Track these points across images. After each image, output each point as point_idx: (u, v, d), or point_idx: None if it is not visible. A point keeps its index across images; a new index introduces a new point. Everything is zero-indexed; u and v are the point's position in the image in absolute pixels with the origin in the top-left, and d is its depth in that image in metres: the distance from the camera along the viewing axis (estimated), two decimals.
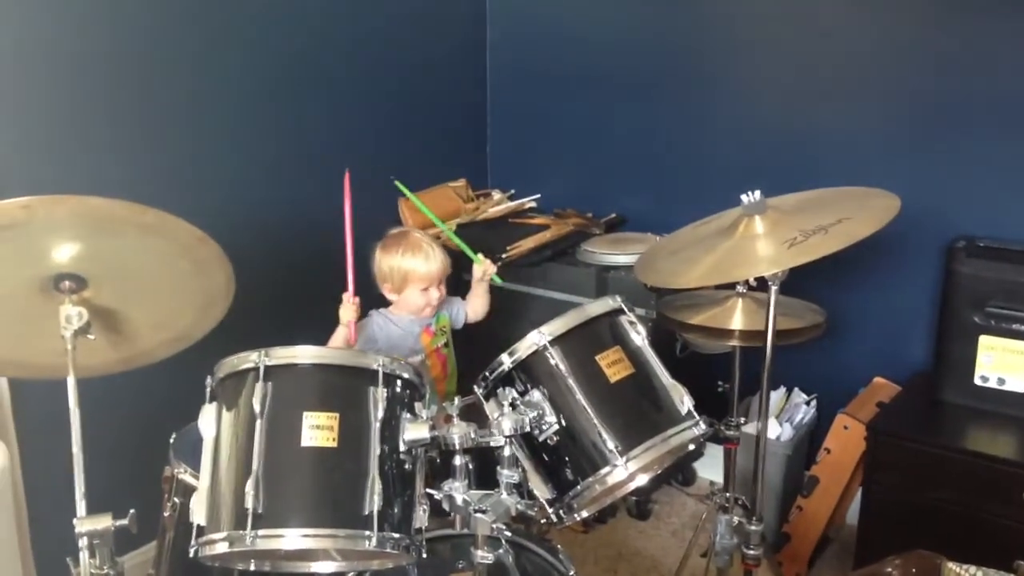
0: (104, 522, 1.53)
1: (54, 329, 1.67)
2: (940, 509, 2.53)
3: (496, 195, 3.71)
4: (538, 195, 3.67)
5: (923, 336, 2.97)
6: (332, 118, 3.17)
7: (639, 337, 1.85)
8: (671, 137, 3.39)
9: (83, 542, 1.53)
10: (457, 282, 3.10)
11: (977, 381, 2.66)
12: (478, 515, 1.68)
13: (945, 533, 2.51)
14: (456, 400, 1.76)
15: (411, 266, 2.53)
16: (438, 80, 3.57)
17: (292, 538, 1.51)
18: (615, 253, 3.14)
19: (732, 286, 2.37)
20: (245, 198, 2.92)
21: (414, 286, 2.54)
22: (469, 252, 2.72)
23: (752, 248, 2.04)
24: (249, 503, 1.49)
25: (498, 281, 2.74)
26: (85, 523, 1.52)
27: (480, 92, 3.78)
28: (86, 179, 2.50)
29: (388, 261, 2.54)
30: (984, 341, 2.62)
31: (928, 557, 1.80)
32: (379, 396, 1.61)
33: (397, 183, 2.92)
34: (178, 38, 2.69)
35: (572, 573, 1.89)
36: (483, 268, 2.70)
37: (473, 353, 2.71)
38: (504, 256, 3.13)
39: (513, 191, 3.72)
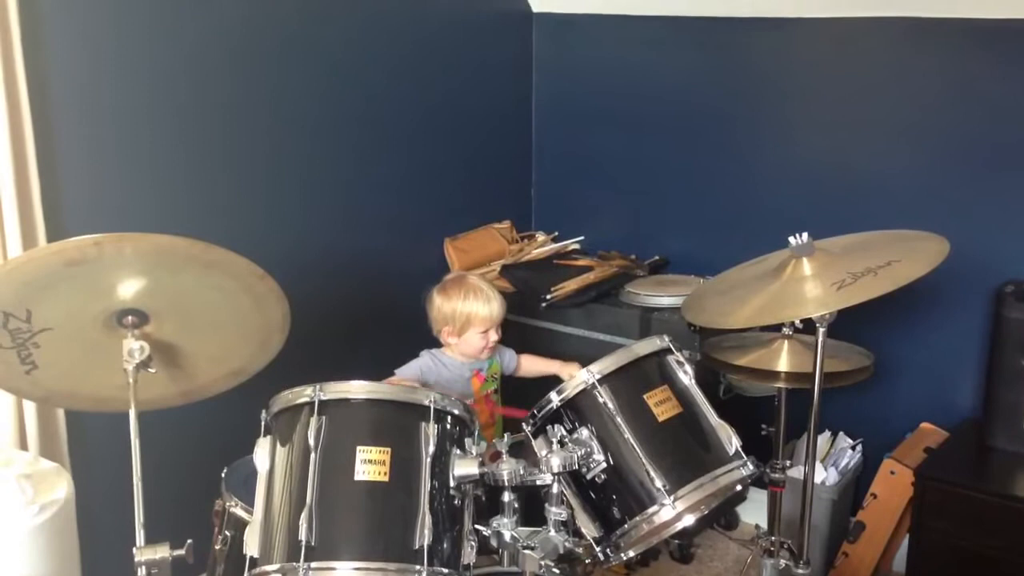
0: (162, 552, 1.57)
1: (115, 363, 1.72)
2: (989, 556, 2.50)
3: (540, 237, 3.74)
4: (582, 237, 3.69)
5: (971, 381, 2.94)
6: (381, 160, 3.23)
7: (686, 377, 1.87)
8: (716, 180, 3.41)
9: (141, 571, 1.56)
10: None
11: None
12: (526, 551, 1.69)
13: None
14: (505, 437, 1.78)
15: (473, 309, 2.56)
16: (485, 123, 3.63)
17: (344, 571, 1.54)
18: (659, 295, 3.15)
19: (778, 328, 2.37)
20: (299, 236, 2.98)
21: (475, 329, 2.56)
22: None
23: (800, 290, 2.04)
24: (303, 535, 1.52)
25: None
26: (144, 552, 1.56)
27: (525, 135, 3.83)
28: (151, 216, 2.57)
29: (450, 305, 2.57)
30: None
31: None
32: (430, 432, 1.64)
33: None
34: (246, 89, 2.78)
35: None
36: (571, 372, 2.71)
37: (520, 393, 2.74)
38: (548, 297, 3.16)
39: (557, 233, 3.75)
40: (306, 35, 2.92)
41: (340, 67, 3.04)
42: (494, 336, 2.59)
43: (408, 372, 2.56)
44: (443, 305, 2.59)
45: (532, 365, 2.78)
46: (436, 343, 2.66)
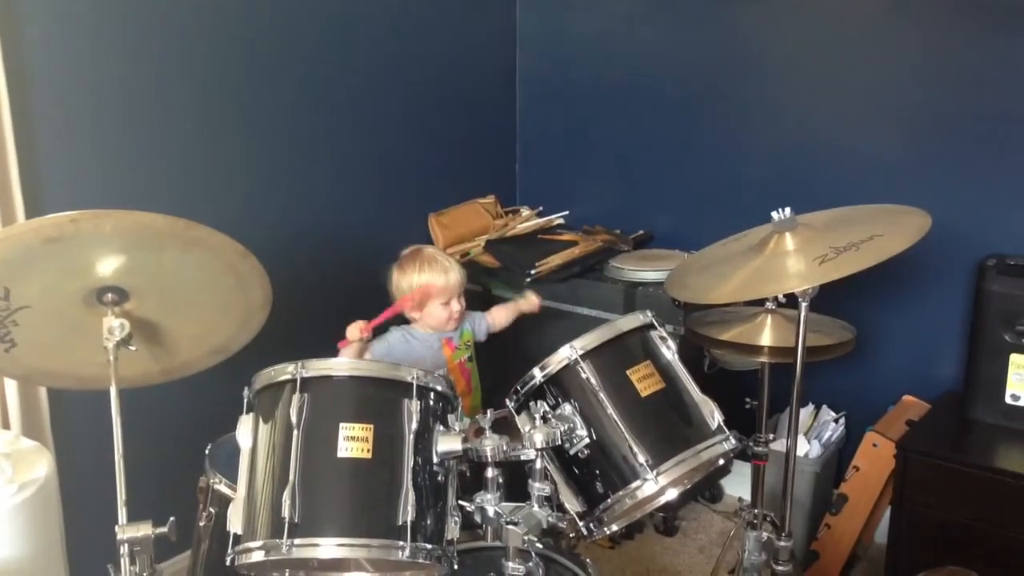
0: (145, 529, 1.57)
1: (96, 340, 1.71)
2: (970, 528, 2.52)
3: (525, 211, 3.74)
4: (566, 212, 3.69)
5: (953, 354, 2.96)
6: (365, 135, 3.22)
7: (669, 352, 1.87)
8: (699, 154, 3.41)
9: (124, 549, 1.56)
10: (488, 296, 3.14)
11: (1008, 400, 2.65)
12: (510, 527, 1.70)
13: (975, 552, 2.49)
14: (488, 413, 1.78)
15: (430, 280, 2.56)
16: (468, 98, 3.61)
17: (327, 547, 1.54)
18: (643, 269, 3.15)
19: (761, 303, 2.37)
20: (281, 213, 2.97)
21: (436, 300, 2.57)
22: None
23: (783, 264, 2.04)
24: (286, 512, 1.52)
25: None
26: (127, 530, 1.56)
27: (510, 110, 3.81)
28: (131, 193, 2.55)
29: (407, 280, 2.58)
30: (1015, 359, 2.61)
31: (960, 573, 1.80)
32: (413, 408, 1.64)
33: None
34: (227, 64, 2.77)
35: None
36: (532, 303, 2.81)
37: (503, 368, 2.74)
38: (533, 272, 3.16)
39: (542, 207, 3.74)
40: (287, 11, 2.89)
41: (322, 43, 3.02)
42: (456, 306, 2.60)
43: (376, 350, 2.56)
44: (401, 281, 2.59)
45: (498, 313, 2.82)
46: (406, 323, 2.66)
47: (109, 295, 1.73)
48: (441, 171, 3.56)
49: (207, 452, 2.14)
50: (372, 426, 1.60)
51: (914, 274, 2.96)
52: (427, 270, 2.56)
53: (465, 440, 1.68)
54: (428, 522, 1.61)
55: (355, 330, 2.44)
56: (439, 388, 1.71)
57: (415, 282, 2.56)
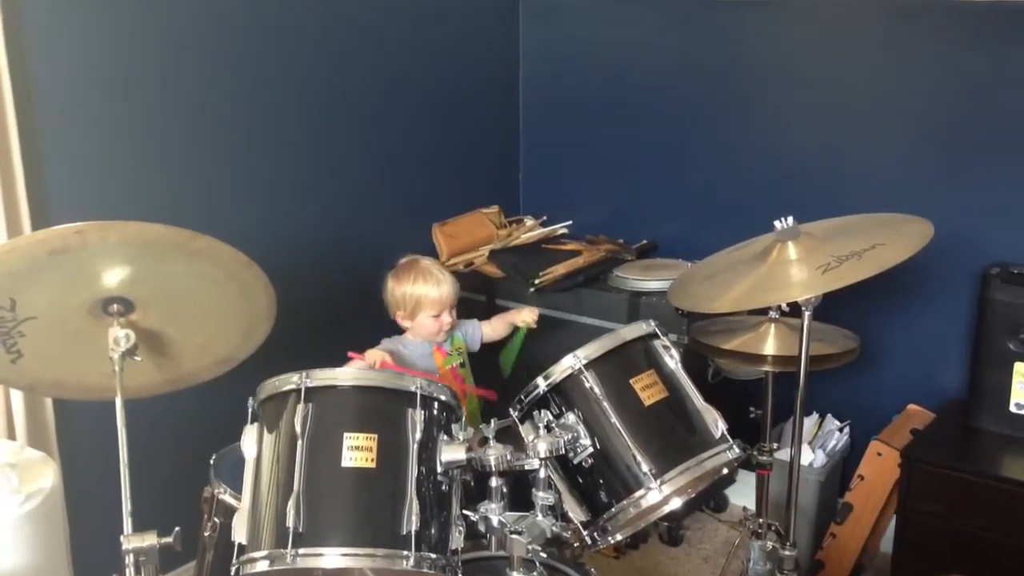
0: (150, 540, 1.57)
1: (101, 351, 1.72)
2: (975, 536, 2.52)
3: (528, 221, 3.74)
4: (570, 221, 3.70)
5: (957, 363, 2.95)
6: (369, 145, 3.23)
7: (673, 361, 1.88)
8: (702, 164, 3.41)
9: (129, 559, 1.56)
10: (492, 309, 3.14)
11: (1012, 408, 2.64)
12: (514, 536, 1.70)
13: (980, 561, 2.49)
14: (492, 422, 1.78)
15: (423, 292, 2.57)
16: (472, 108, 3.62)
17: (332, 557, 1.54)
18: (647, 279, 3.15)
19: (765, 311, 2.37)
20: (285, 222, 2.98)
21: (426, 312, 2.58)
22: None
23: (785, 273, 2.05)
24: (290, 522, 1.53)
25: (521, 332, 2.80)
26: (132, 540, 1.56)
27: (513, 119, 3.82)
28: (136, 204, 2.56)
29: (400, 289, 2.59)
30: (1019, 368, 2.61)
31: None
32: (417, 418, 1.64)
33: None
34: (230, 76, 2.78)
35: None
36: (527, 318, 2.76)
37: (493, 367, 2.75)
38: (537, 282, 3.16)
39: (545, 217, 3.75)
40: (290, 21, 2.91)
41: (325, 52, 3.03)
42: (447, 319, 2.61)
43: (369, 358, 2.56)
44: (395, 289, 2.61)
45: (494, 324, 2.81)
46: (398, 331, 2.67)
47: (114, 306, 1.74)
48: (445, 181, 3.56)
49: (212, 462, 2.14)
50: (376, 436, 1.61)
51: (917, 283, 2.96)
52: (420, 282, 2.58)
53: (469, 450, 1.68)
54: (432, 532, 1.62)
55: (375, 357, 2.46)
56: (443, 398, 1.72)
57: (408, 292, 2.58)
